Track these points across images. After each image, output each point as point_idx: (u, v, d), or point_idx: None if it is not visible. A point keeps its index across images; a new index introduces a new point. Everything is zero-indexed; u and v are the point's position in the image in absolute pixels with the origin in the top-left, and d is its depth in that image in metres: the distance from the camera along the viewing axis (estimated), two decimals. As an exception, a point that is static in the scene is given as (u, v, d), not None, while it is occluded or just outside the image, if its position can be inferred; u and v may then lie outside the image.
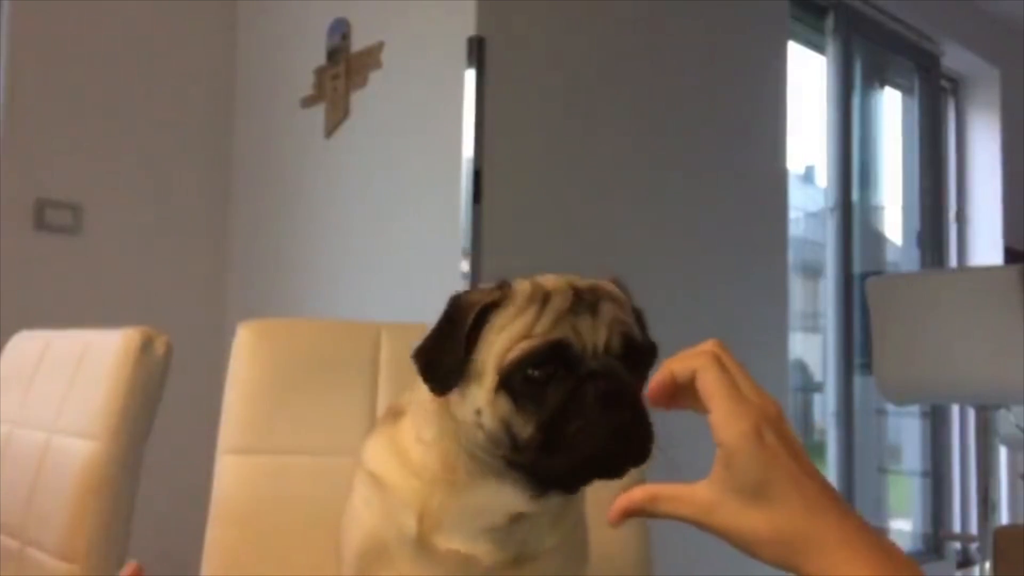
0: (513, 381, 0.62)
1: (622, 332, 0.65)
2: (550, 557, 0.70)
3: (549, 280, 0.67)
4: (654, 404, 0.58)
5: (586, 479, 0.64)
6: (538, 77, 2.31)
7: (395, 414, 0.75)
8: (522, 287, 0.66)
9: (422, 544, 0.68)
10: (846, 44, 3.68)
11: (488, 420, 0.64)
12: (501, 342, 0.64)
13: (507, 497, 0.67)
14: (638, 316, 0.71)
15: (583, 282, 0.68)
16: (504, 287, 0.66)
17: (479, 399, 0.64)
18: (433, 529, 0.68)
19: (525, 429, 0.62)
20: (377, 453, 0.72)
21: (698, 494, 0.53)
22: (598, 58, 2.46)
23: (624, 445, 0.61)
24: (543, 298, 0.65)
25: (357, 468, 0.75)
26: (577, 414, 0.61)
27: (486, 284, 0.68)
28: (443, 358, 0.65)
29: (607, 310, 0.66)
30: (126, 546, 1.21)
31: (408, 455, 0.70)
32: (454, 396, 0.67)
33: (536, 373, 0.62)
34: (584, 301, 0.66)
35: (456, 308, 0.66)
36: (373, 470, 0.72)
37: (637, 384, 0.65)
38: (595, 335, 0.64)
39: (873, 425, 3.72)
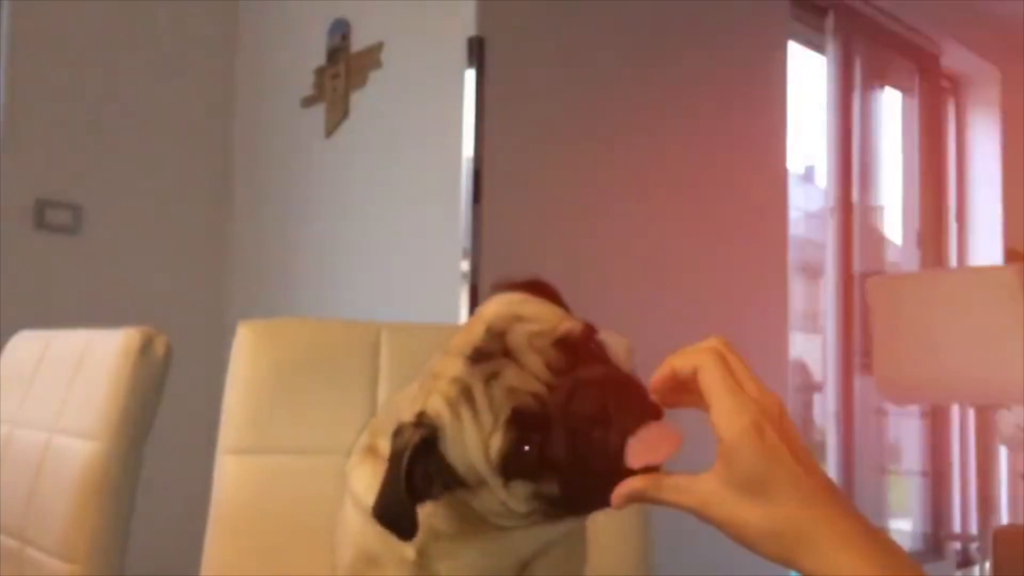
0: (515, 471, 0.59)
1: (550, 343, 0.60)
2: (549, 556, 0.70)
3: (450, 369, 0.62)
4: (656, 399, 0.58)
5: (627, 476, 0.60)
6: (538, 77, 2.31)
7: (372, 451, 0.71)
8: (437, 405, 0.61)
9: (422, 567, 0.67)
10: (846, 44, 3.67)
11: (516, 504, 0.60)
12: (473, 454, 0.60)
13: (546, 532, 0.65)
14: (559, 302, 0.67)
15: (476, 335, 0.63)
16: (423, 419, 0.61)
17: (496, 497, 0.61)
18: (437, 560, 0.67)
19: (553, 489, 0.59)
20: (367, 487, 0.67)
21: (700, 485, 0.54)
22: (598, 58, 2.46)
23: (643, 419, 0.58)
24: (465, 393, 0.60)
25: (347, 492, 0.72)
26: (588, 450, 0.57)
27: (404, 420, 0.63)
28: (395, 511, 0.61)
29: (517, 337, 0.61)
30: (126, 546, 1.21)
31: None
32: (462, 495, 0.63)
33: (527, 448, 0.58)
34: (492, 355, 0.61)
35: (391, 458, 0.62)
36: (366, 506, 0.68)
37: (599, 356, 0.61)
38: (531, 370, 0.59)
39: (873, 425, 3.71)
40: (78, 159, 2.60)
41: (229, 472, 1.03)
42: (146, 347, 1.23)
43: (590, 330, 0.62)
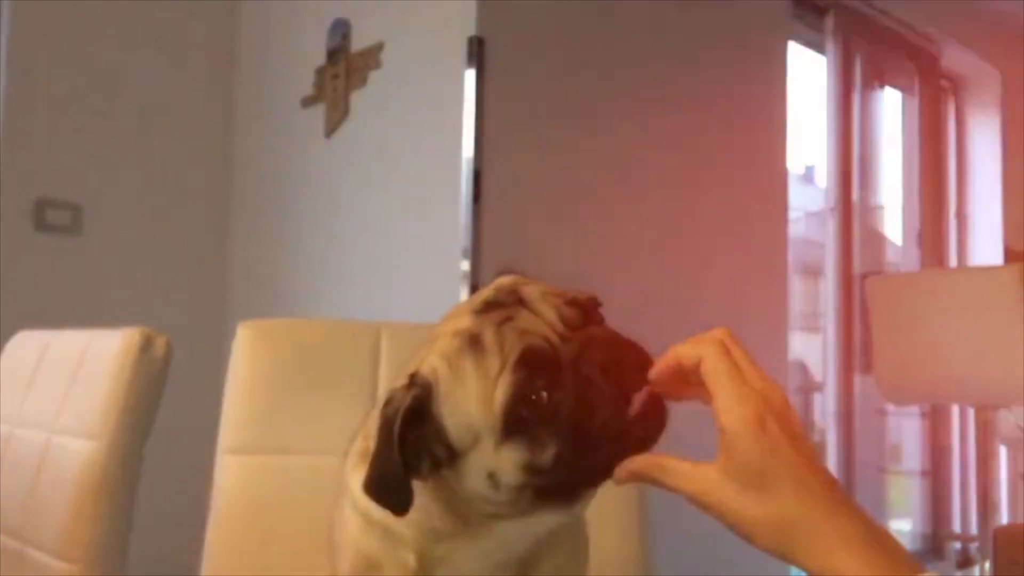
0: (519, 421, 0.56)
1: (563, 301, 0.60)
2: (550, 558, 0.70)
3: (457, 324, 0.61)
4: (659, 389, 0.58)
5: (625, 455, 0.58)
6: (538, 77, 2.31)
7: (367, 455, 0.69)
8: (432, 362, 0.60)
9: (422, 572, 0.66)
10: (846, 44, 3.67)
11: (506, 475, 0.58)
12: (472, 407, 0.58)
13: (535, 524, 0.63)
14: None
15: (484, 294, 0.63)
16: (416, 379, 0.60)
17: (485, 465, 0.58)
18: (439, 564, 0.65)
19: (547, 454, 0.57)
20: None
21: (701, 473, 0.54)
22: (598, 58, 2.46)
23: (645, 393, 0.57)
24: (470, 341, 0.59)
25: (346, 496, 0.71)
26: (597, 401, 0.56)
27: (396, 383, 0.62)
28: (388, 482, 0.59)
29: (531, 292, 0.61)
30: (126, 546, 1.21)
31: None
32: (447, 476, 0.61)
33: (535, 396, 0.56)
34: (505, 304, 0.60)
35: (382, 426, 0.60)
36: (365, 510, 0.67)
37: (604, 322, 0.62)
38: (544, 319, 0.59)
39: (873, 425, 3.71)
40: (78, 159, 2.60)
41: (229, 472, 1.03)
42: (146, 347, 1.23)
43: (596, 300, 0.63)
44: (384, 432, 0.59)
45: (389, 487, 0.59)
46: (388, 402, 0.61)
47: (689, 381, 0.56)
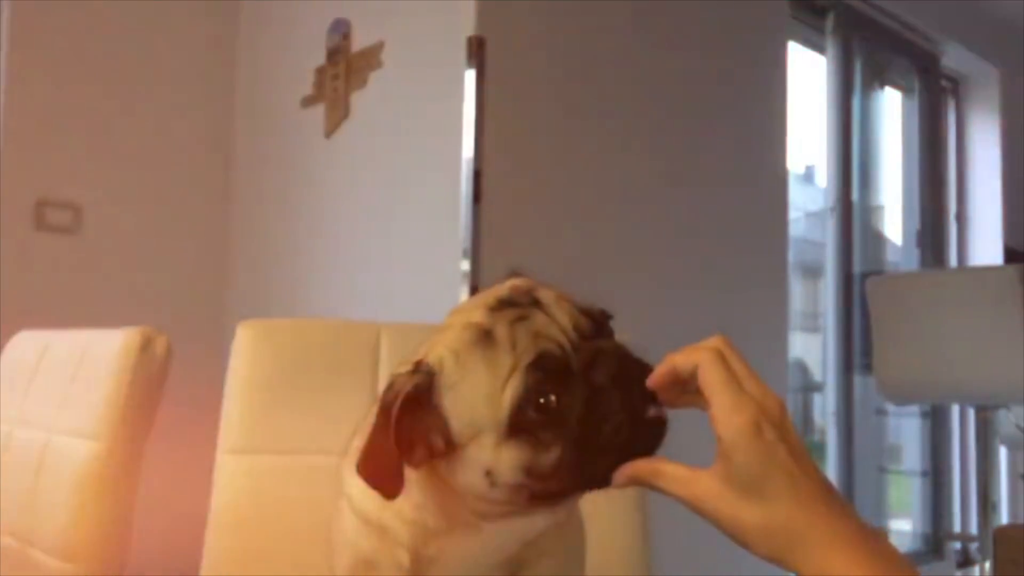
0: (524, 422, 0.56)
1: (578, 310, 0.61)
2: (547, 559, 0.70)
3: (469, 317, 0.61)
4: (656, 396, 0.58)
5: (624, 462, 0.58)
6: (538, 77, 2.31)
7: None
8: (439, 352, 0.60)
9: (416, 571, 0.66)
10: (846, 44, 3.67)
11: (504, 474, 0.58)
12: (478, 401, 0.58)
13: (524, 525, 0.64)
14: None
15: (499, 291, 0.63)
16: (420, 366, 0.60)
17: (483, 461, 0.58)
18: (431, 565, 0.65)
19: (549, 458, 0.57)
20: (362, 491, 0.64)
21: (698, 479, 0.54)
22: (598, 58, 2.46)
23: (651, 407, 0.58)
24: (483, 335, 0.59)
25: (343, 495, 0.71)
26: (606, 410, 0.56)
27: (400, 369, 0.61)
28: (381, 467, 0.59)
29: (547, 295, 0.62)
30: (126, 546, 1.21)
31: (394, 506, 0.64)
32: (442, 469, 0.61)
33: (544, 400, 0.56)
34: (520, 304, 0.60)
35: (380, 410, 0.60)
36: (361, 510, 0.67)
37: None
38: (560, 325, 0.59)
39: (873, 425, 3.72)
40: (78, 159, 2.60)
41: (229, 472, 1.03)
42: (146, 347, 1.23)
43: (608, 314, 0.63)
44: (382, 416, 0.59)
45: (382, 470, 0.59)
46: (389, 387, 0.61)
47: (687, 389, 0.56)
